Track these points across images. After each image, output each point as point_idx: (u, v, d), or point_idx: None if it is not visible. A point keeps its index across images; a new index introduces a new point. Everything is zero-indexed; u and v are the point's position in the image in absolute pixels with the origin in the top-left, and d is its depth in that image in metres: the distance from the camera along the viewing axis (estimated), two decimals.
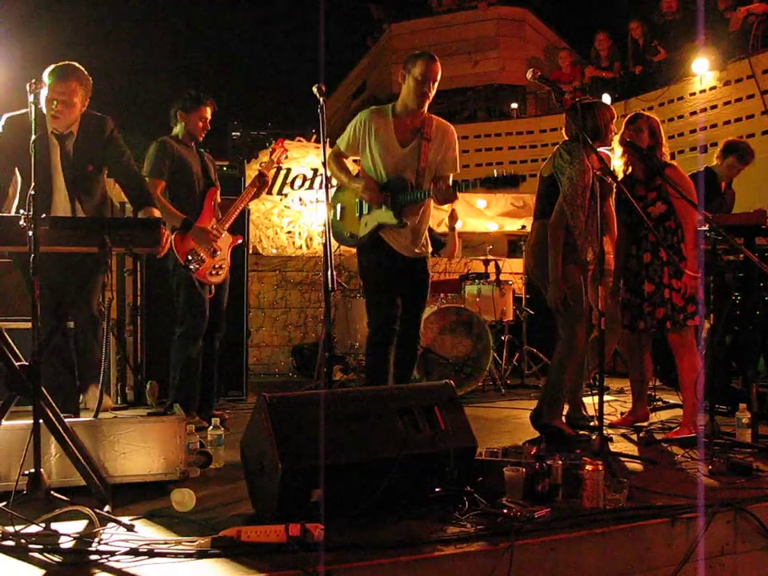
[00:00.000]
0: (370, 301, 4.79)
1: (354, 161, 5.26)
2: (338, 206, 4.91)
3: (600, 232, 4.24)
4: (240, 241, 5.32)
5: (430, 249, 4.93)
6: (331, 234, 4.03)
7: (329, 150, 4.57)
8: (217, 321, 5.17)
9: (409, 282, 4.73)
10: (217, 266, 5.01)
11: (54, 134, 4.23)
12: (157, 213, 4.28)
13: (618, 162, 4.99)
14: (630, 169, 4.95)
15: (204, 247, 4.93)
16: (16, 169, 4.21)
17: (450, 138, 4.77)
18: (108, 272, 4.12)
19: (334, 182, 8.45)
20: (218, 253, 5.02)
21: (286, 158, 8.05)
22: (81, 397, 4.27)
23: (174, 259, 4.87)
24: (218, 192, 5.19)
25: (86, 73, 4.26)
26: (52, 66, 4.13)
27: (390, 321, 4.65)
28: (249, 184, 5.32)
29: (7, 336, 3.25)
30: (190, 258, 4.87)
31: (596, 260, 4.48)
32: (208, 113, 5.17)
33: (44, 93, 4.05)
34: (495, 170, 4.58)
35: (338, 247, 6.20)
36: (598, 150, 4.38)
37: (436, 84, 4.61)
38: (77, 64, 4.25)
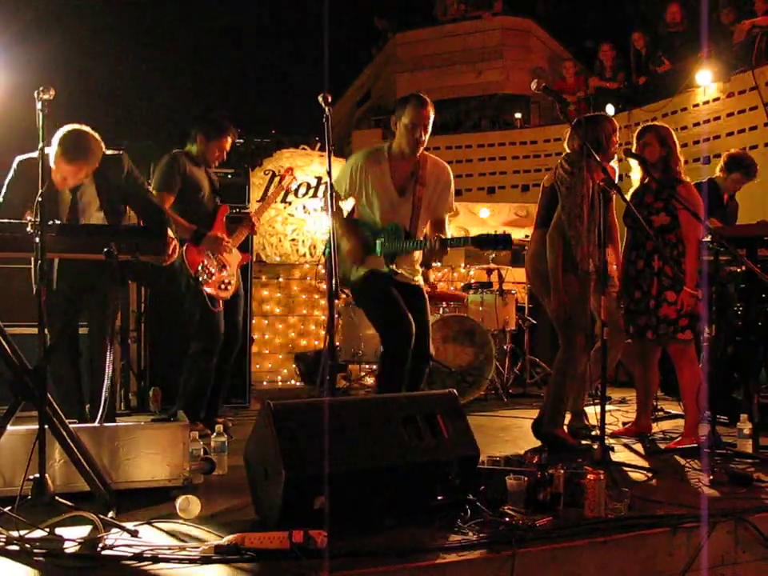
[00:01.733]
0: (381, 322, 4.65)
1: None
2: (339, 247, 4.69)
3: (603, 242, 4.27)
4: (248, 261, 5.36)
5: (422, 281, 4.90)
6: (335, 244, 4.03)
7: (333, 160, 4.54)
8: (234, 335, 5.19)
9: (411, 304, 4.60)
10: (226, 281, 5.04)
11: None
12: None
13: (636, 174, 5.00)
14: (647, 180, 4.95)
15: (216, 256, 4.95)
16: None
17: (446, 180, 4.72)
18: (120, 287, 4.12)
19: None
20: (227, 268, 5.05)
21: (296, 188, 8.10)
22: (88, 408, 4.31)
23: (186, 278, 4.89)
24: (228, 209, 5.23)
25: (98, 142, 4.13)
26: (64, 132, 4.01)
27: (405, 339, 4.45)
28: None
29: (12, 342, 3.28)
30: (200, 269, 4.89)
31: (597, 270, 4.50)
32: (228, 143, 5.18)
33: (52, 155, 4.00)
34: (490, 231, 4.55)
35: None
36: (603, 163, 4.40)
37: (429, 129, 4.53)
38: (89, 131, 4.10)
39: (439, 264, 8.82)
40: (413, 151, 4.57)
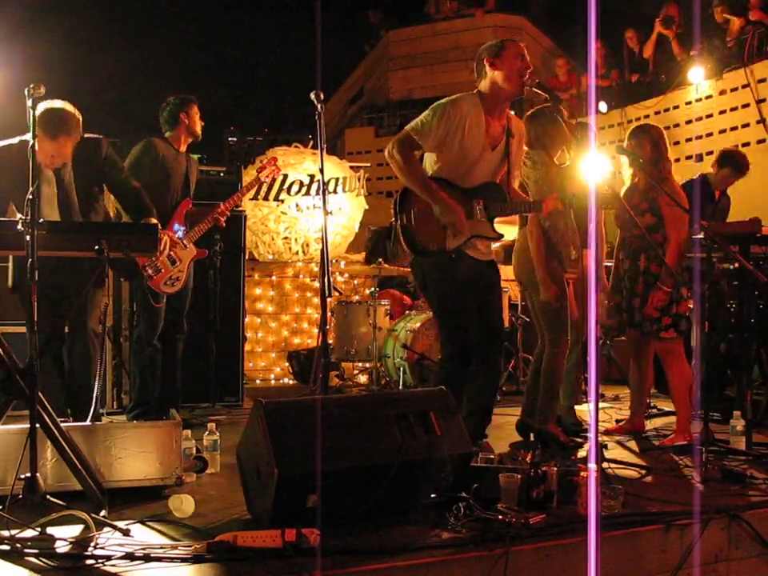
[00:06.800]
0: (447, 324, 4.30)
1: None
2: (412, 211, 4.10)
3: (597, 238, 4.28)
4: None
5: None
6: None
7: (325, 157, 4.31)
8: (177, 323, 5.20)
9: (486, 288, 4.27)
10: (174, 276, 4.98)
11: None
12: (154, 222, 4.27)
13: (626, 172, 5.01)
14: (636, 179, 4.94)
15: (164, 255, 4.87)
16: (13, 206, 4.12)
17: (523, 136, 4.41)
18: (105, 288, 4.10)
19: (331, 187, 8.33)
20: (177, 264, 5.00)
21: (288, 185, 8.00)
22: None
23: None
24: (191, 203, 5.17)
25: (73, 114, 4.14)
26: (41, 110, 3.87)
27: (468, 346, 4.20)
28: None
29: (3, 340, 3.26)
30: (146, 264, 4.83)
31: (579, 262, 4.57)
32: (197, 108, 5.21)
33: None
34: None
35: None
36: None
37: None
38: (65, 106, 4.11)
39: None
40: (519, 88, 4.09)
